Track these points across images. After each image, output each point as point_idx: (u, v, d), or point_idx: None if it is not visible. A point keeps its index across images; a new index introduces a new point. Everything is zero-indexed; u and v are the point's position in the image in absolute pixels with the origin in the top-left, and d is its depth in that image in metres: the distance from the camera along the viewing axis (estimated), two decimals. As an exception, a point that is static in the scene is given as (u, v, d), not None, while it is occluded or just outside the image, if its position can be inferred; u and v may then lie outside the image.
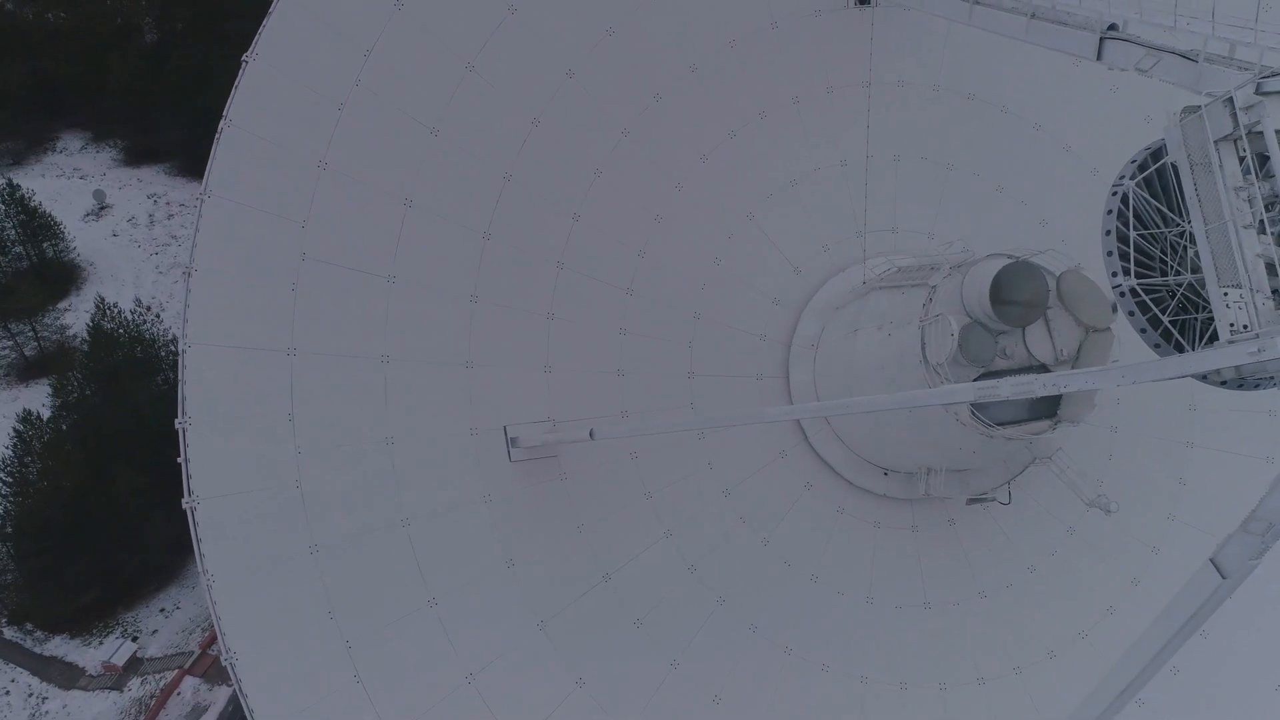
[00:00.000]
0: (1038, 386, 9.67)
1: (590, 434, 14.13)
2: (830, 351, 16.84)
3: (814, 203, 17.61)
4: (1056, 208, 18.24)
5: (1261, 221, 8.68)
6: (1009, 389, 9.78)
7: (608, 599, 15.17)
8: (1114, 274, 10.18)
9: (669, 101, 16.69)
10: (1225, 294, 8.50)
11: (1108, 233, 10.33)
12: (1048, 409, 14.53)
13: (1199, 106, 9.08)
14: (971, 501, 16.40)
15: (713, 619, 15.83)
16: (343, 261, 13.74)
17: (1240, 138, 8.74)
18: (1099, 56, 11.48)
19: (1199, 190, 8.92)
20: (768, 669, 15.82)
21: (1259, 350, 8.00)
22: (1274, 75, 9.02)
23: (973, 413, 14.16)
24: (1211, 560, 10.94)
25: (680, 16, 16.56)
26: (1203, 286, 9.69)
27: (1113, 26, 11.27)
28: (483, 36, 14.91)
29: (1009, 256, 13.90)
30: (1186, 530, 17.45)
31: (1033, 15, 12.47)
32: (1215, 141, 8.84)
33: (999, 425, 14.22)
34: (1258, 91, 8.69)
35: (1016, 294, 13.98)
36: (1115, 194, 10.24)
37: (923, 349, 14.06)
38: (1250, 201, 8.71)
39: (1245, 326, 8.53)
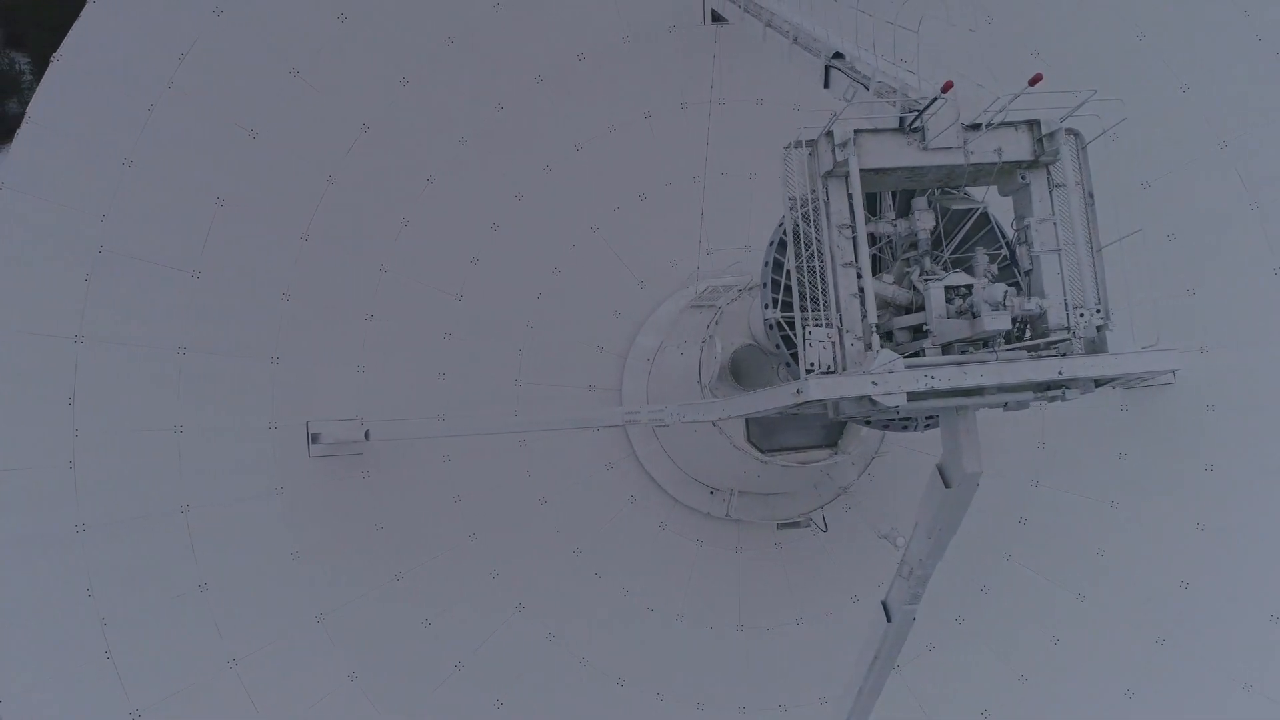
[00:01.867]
0: (642, 415, 9.55)
1: (365, 434, 14.37)
2: (660, 366, 16.74)
3: (664, 217, 17.44)
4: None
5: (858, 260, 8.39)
6: (648, 415, 9.63)
7: (397, 598, 15.35)
8: (765, 306, 9.96)
9: (511, 112, 16.76)
10: (810, 332, 8.23)
11: (765, 264, 10.10)
12: (828, 437, 14.21)
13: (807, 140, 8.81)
14: (782, 527, 16.10)
15: (508, 625, 15.87)
16: (144, 255, 14.21)
17: (847, 174, 8.46)
18: (825, 84, 11.26)
19: (800, 225, 8.63)
20: (560, 679, 15.78)
21: (797, 392, 7.72)
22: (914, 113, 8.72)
23: (747, 437, 13.97)
24: (883, 602, 10.71)
25: (526, 28, 16.62)
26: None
27: (838, 55, 11.01)
28: (309, 43, 15.24)
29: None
30: (1019, 570, 16.80)
31: (794, 39, 12.30)
32: (822, 176, 8.57)
33: (777, 451, 14.01)
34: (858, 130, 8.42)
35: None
36: (780, 224, 10.00)
37: (699, 369, 13.90)
38: (853, 240, 8.42)
39: (829, 368, 8.24)
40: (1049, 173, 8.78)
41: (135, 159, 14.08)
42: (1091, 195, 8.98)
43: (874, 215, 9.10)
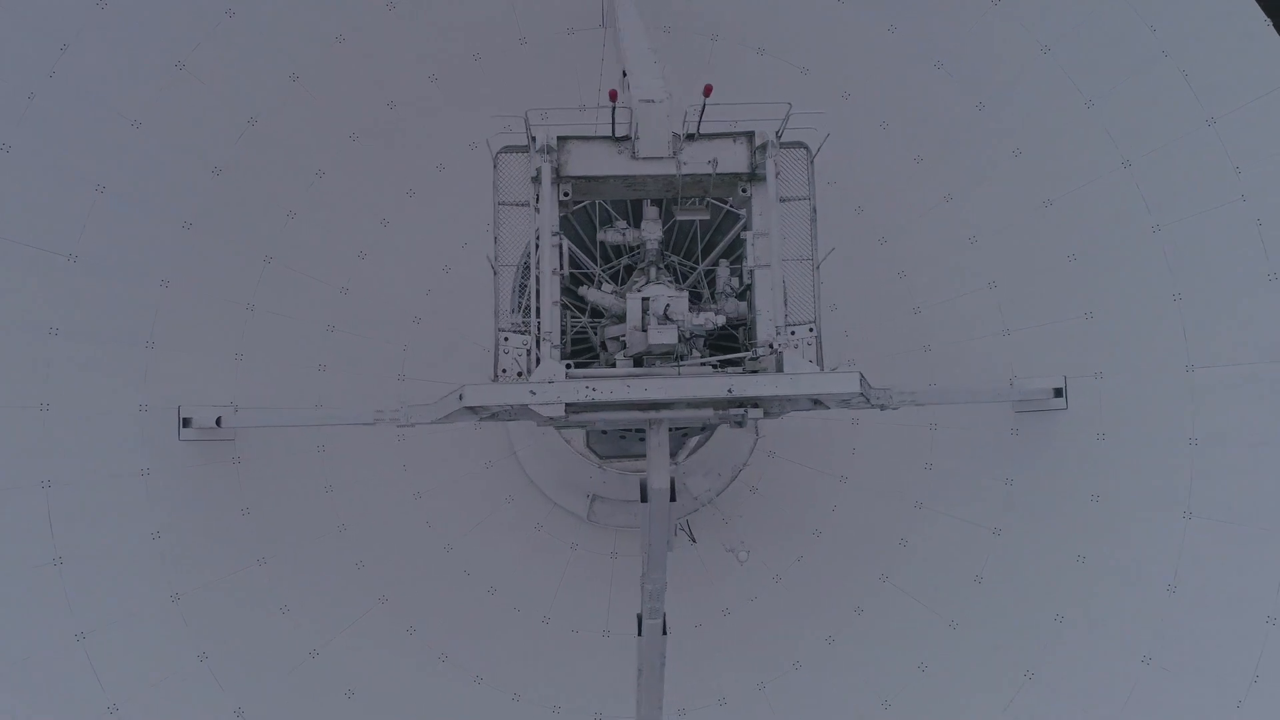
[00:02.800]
0: (386, 415, 9.49)
1: (218, 421, 14.61)
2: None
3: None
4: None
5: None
6: (390, 415, 9.57)
7: (258, 582, 15.55)
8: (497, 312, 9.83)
9: (405, 110, 16.87)
10: (506, 338, 8.09)
11: (516, 268, 9.97)
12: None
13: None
14: (648, 534, 15.89)
15: (369, 616, 15.98)
16: (15, 238, 14.65)
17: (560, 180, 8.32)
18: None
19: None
20: (419, 673, 15.83)
21: (460, 398, 7.56)
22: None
23: (586, 443, 13.85)
24: (637, 615, 10.53)
25: (421, 27, 16.71)
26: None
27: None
28: (195, 37, 15.54)
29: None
30: (895, 593, 16.36)
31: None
32: (533, 180, 8.42)
33: (615, 458, 13.85)
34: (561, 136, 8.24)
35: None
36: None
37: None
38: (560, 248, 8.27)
39: (519, 373, 8.10)
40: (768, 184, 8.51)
41: (13, 145, 14.50)
42: (814, 209, 8.67)
43: (614, 224, 8.93)
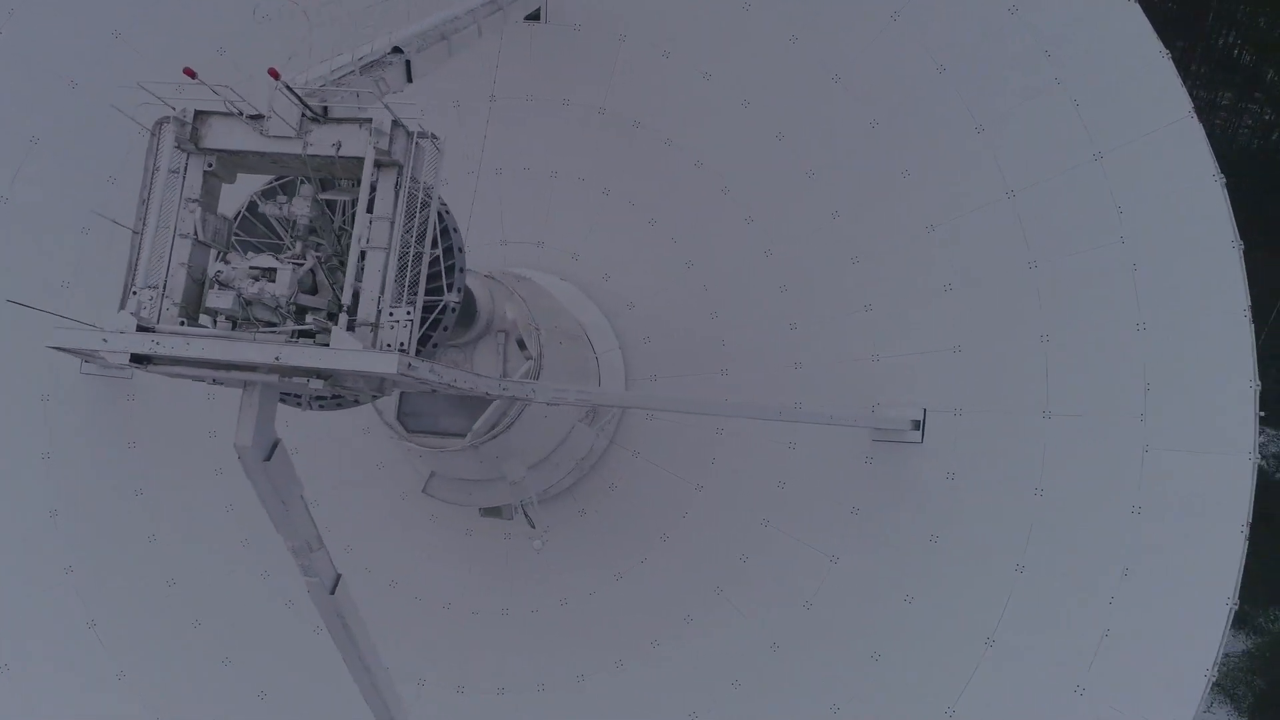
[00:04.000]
0: None
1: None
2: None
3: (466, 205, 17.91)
4: (704, 247, 17.23)
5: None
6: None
7: (137, 515, 16.78)
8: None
9: (325, 90, 17.77)
10: (136, 292, 8.63)
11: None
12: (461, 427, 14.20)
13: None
14: (485, 513, 16.23)
15: (251, 588, 16.75)
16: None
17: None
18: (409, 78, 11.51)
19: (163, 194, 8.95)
20: (321, 661, 16.13)
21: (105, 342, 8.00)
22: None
23: (396, 415, 14.35)
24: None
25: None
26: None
27: (397, 49, 11.23)
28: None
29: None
30: (727, 607, 16.09)
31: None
32: (181, 148, 8.91)
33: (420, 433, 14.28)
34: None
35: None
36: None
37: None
38: (201, 214, 8.75)
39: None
40: (399, 172, 8.74)
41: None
42: (429, 195, 8.84)
43: (275, 198, 9.34)
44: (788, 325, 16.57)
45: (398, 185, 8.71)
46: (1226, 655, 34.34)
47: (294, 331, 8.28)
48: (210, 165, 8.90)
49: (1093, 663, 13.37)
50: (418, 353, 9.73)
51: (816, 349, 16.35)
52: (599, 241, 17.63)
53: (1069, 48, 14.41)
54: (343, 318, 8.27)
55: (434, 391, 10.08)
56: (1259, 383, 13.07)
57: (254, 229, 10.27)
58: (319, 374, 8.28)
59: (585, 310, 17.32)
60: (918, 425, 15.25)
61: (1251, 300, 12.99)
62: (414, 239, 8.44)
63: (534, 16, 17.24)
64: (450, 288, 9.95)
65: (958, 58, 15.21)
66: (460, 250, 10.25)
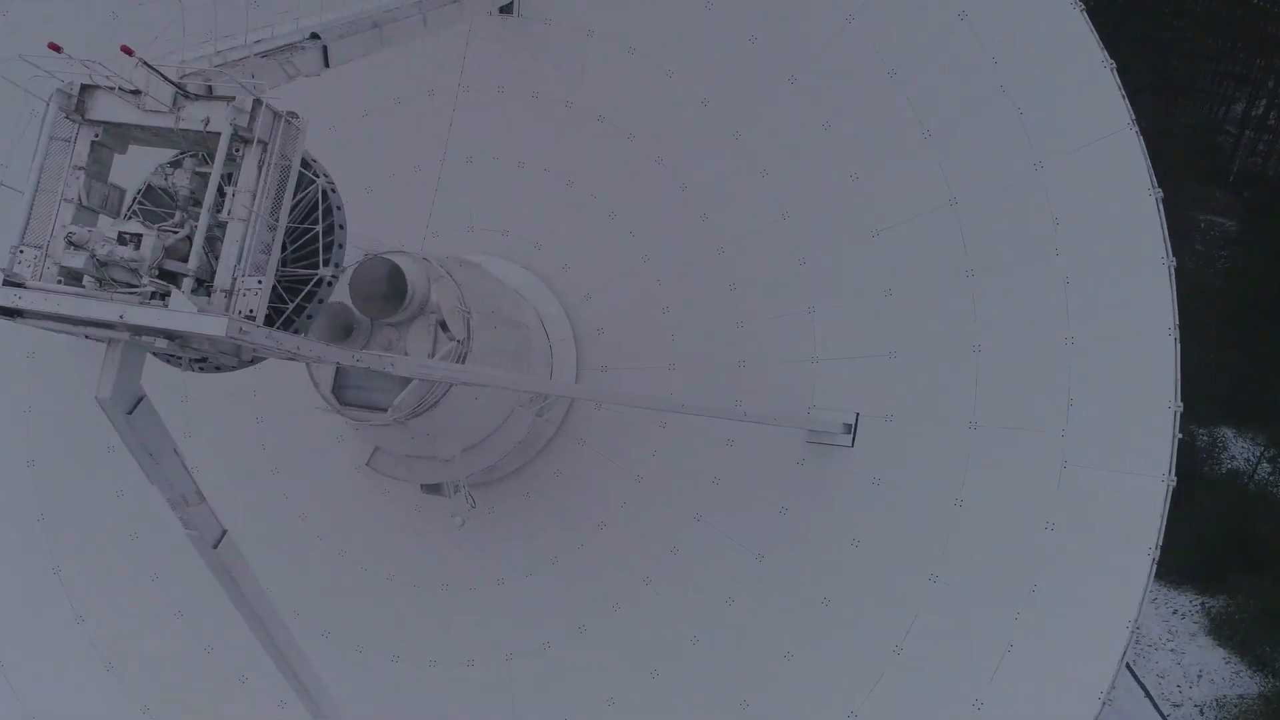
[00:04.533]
0: None
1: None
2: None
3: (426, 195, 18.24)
4: (660, 242, 17.37)
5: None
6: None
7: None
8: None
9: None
10: (22, 251, 9.20)
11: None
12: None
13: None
14: (427, 490, 16.66)
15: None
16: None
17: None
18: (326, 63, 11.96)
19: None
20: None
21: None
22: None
23: (331, 387, 14.83)
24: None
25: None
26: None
27: (314, 35, 11.68)
28: None
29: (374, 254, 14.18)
30: (653, 598, 16.24)
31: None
32: (69, 118, 9.44)
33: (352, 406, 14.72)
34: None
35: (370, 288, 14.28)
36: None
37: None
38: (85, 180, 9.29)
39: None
40: (263, 148, 9.17)
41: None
42: (288, 170, 9.22)
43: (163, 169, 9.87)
44: (735, 324, 16.64)
45: (260, 162, 9.13)
46: (1240, 696, 33.38)
47: (153, 294, 8.73)
48: (97, 135, 9.44)
49: (993, 677, 13.20)
50: (290, 324, 10.23)
51: (760, 348, 16.38)
52: (561, 233, 17.91)
53: (1014, 55, 14.21)
54: (187, 282, 8.72)
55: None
56: (1180, 404, 12.73)
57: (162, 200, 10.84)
58: (166, 335, 8.75)
59: (543, 300, 17.64)
60: (849, 429, 15.20)
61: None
62: (268, 212, 8.84)
63: (507, 9, 17.66)
64: (327, 263, 10.34)
65: (908, 62, 15.11)
66: (341, 228, 10.63)
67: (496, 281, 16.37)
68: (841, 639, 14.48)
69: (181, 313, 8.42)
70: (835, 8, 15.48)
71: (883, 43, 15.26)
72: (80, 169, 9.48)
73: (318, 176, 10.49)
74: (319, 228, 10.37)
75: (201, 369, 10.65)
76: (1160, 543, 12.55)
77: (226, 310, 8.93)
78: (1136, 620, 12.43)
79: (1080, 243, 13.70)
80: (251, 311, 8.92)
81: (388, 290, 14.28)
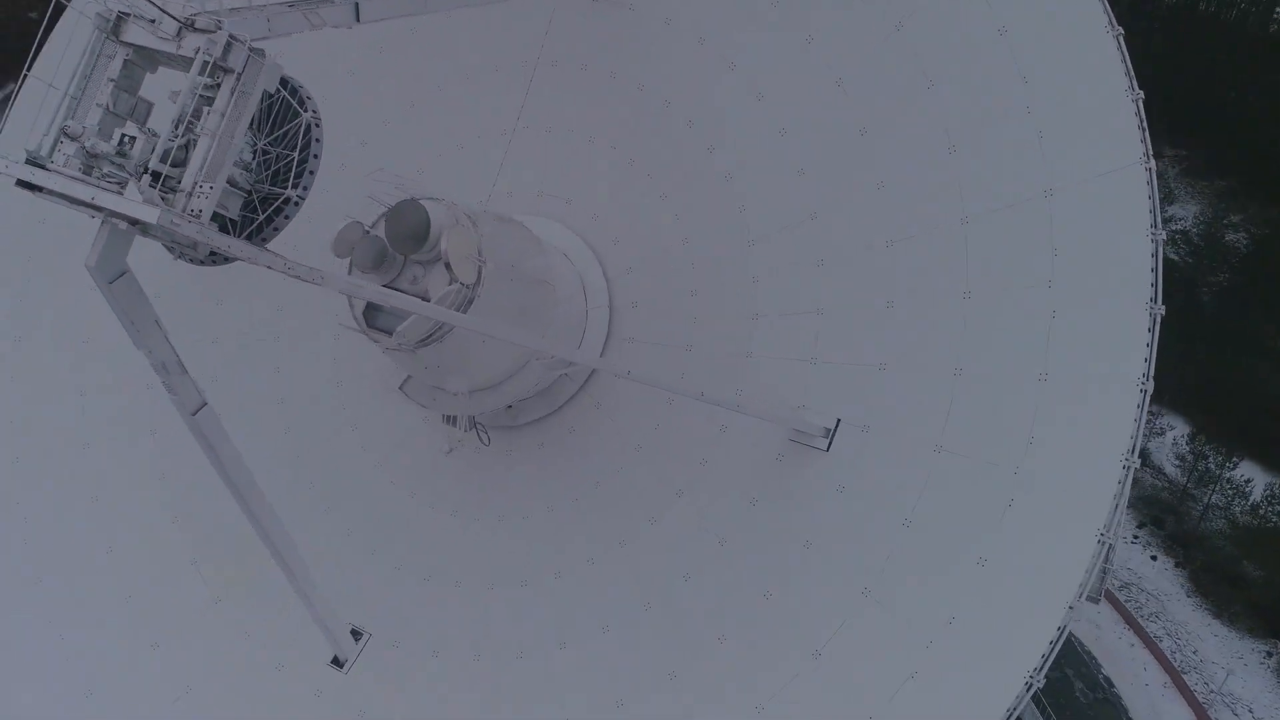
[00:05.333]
0: None
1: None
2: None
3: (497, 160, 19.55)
4: (707, 241, 17.81)
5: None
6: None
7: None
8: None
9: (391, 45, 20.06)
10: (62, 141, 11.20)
11: None
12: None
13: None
14: (445, 422, 18.10)
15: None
16: None
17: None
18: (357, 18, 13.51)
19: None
20: (356, 570, 18.73)
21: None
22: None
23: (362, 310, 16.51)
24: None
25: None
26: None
27: None
28: None
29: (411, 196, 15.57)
30: (624, 562, 16.85)
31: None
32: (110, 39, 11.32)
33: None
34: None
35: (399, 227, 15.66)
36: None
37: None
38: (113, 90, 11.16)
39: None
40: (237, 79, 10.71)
41: None
42: (272, 94, 10.64)
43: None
44: (751, 315, 16.93)
45: (232, 89, 10.74)
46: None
47: (120, 184, 10.54)
48: (129, 55, 11.42)
49: (892, 699, 12.94)
50: (257, 234, 11.85)
51: (768, 342, 16.59)
52: (616, 208, 18.81)
53: (1044, 76, 13.61)
54: (145, 178, 10.46)
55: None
56: (1137, 460, 11.90)
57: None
58: (128, 219, 10.53)
59: (589, 269, 18.63)
60: (828, 434, 15.18)
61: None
62: (233, 132, 10.42)
63: (598, -8, 18.72)
64: (296, 186, 11.87)
65: (946, 74, 14.78)
66: (316, 157, 12.11)
67: (534, 242, 17.47)
68: (770, 632, 14.58)
69: (128, 200, 10.14)
70: (886, 15, 15.35)
71: (924, 53, 14.99)
72: (111, 80, 11.50)
73: (304, 110, 12.03)
74: (296, 155, 11.92)
75: (191, 261, 12.48)
76: (1080, 599, 11.80)
77: (184, 208, 10.63)
78: (1040, 675, 11.78)
79: (1073, 277, 13.01)
80: (199, 211, 10.55)
81: (413, 231, 15.77)
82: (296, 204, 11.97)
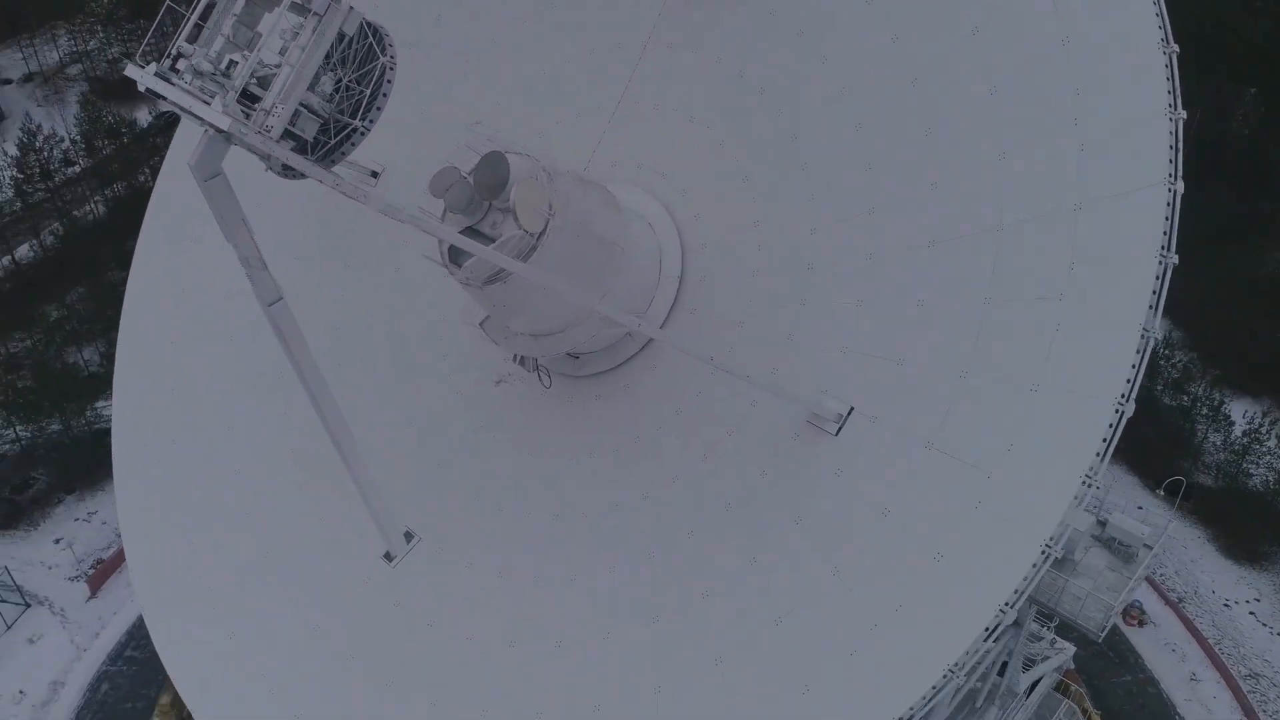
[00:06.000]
0: None
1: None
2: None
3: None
4: (779, 227, 18.44)
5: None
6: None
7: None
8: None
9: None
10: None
11: None
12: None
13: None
14: (515, 362, 19.72)
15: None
16: None
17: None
18: None
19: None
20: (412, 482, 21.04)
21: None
22: None
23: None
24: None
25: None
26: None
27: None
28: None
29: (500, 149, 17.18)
30: (657, 509, 17.76)
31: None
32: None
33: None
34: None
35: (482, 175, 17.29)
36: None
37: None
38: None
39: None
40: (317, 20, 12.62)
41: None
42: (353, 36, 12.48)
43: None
44: (799, 300, 17.49)
45: (314, 28, 12.70)
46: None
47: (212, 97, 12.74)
48: (251, -3, 13.66)
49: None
50: (325, 158, 13.80)
51: (809, 327, 17.12)
52: (703, 185, 19.76)
53: (1095, 90, 13.44)
54: (234, 95, 12.58)
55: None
56: (1099, 480, 11.75)
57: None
58: (215, 128, 12.72)
59: (669, 240, 19.71)
60: (840, 419, 15.62)
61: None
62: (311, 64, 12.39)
63: (699, -15, 19.68)
64: (363, 120, 13.67)
65: (1008, 80, 14.79)
66: (385, 95, 13.86)
67: (612, 206, 18.67)
68: (743, 598, 15.24)
69: (211, 109, 12.31)
70: (962, 20, 15.47)
71: (991, 60, 15.04)
72: (235, 15, 13.79)
73: (383, 55, 13.84)
74: (368, 92, 13.74)
75: (277, 172, 14.57)
76: (1018, 598, 11.78)
77: (261, 125, 12.71)
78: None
79: (1083, 293, 12.83)
80: (269, 127, 12.59)
81: (493, 179, 17.45)
82: (362, 134, 13.81)
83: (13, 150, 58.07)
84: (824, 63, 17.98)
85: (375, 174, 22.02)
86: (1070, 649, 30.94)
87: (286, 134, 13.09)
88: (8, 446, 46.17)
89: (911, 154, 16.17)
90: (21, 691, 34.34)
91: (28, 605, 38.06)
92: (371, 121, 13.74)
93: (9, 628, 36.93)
